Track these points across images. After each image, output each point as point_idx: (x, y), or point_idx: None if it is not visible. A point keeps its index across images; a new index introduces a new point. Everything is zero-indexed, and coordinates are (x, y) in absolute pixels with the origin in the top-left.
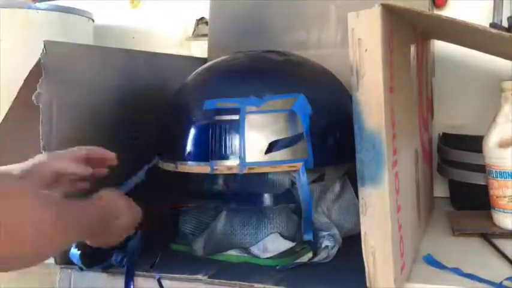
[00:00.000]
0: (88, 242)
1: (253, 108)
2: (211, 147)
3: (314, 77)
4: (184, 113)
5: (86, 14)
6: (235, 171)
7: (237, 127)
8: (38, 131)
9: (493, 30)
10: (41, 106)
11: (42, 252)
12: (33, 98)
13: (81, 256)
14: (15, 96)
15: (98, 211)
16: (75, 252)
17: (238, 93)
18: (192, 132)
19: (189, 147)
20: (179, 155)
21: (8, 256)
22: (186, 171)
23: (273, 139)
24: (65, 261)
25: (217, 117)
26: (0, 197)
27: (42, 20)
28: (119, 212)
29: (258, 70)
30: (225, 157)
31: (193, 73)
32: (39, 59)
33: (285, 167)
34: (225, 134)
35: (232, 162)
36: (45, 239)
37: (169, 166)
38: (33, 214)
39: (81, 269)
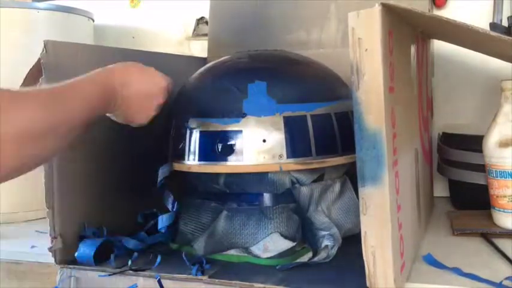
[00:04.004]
0: (115, 118)
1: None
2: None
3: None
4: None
5: (86, 14)
6: None
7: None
8: None
9: (493, 33)
10: None
11: None
12: None
13: (95, 255)
14: None
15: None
16: (87, 252)
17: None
18: None
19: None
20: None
21: None
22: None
23: None
24: (65, 261)
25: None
26: None
27: (42, 20)
28: (130, 78)
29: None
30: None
31: (198, 73)
32: (39, 59)
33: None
34: None
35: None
36: None
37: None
38: None
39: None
